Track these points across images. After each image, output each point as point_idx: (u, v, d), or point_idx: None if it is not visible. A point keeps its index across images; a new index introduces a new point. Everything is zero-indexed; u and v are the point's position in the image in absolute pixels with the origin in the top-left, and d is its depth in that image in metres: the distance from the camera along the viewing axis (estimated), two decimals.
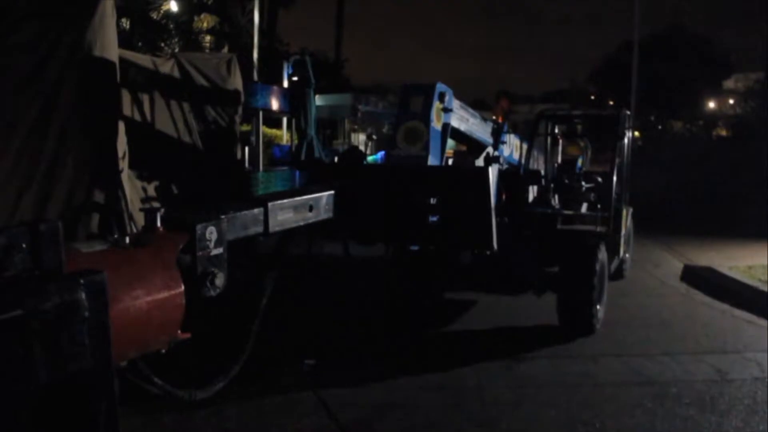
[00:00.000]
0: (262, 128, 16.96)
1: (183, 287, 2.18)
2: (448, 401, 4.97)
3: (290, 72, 19.41)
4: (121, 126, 5.10)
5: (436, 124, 5.60)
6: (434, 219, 3.97)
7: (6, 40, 4.83)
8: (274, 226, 2.86)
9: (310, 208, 3.16)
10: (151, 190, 6.00)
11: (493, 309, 7.61)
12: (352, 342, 6.35)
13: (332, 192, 3.34)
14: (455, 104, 6.10)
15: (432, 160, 5.45)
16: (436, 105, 5.65)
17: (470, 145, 7.48)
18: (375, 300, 8.00)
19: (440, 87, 5.77)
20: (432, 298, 7.59)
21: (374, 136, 26.34)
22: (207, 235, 2.40)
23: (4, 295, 0.96)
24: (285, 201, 2.94)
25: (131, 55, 6.72)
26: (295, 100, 12.63)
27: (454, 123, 6.07)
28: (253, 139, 14.67)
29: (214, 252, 2.44)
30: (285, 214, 2.95)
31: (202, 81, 7.57)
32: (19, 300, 0.98)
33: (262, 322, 3.02)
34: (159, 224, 2.32)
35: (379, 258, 6.18)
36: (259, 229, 2.79)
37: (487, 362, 5.76)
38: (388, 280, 7.82)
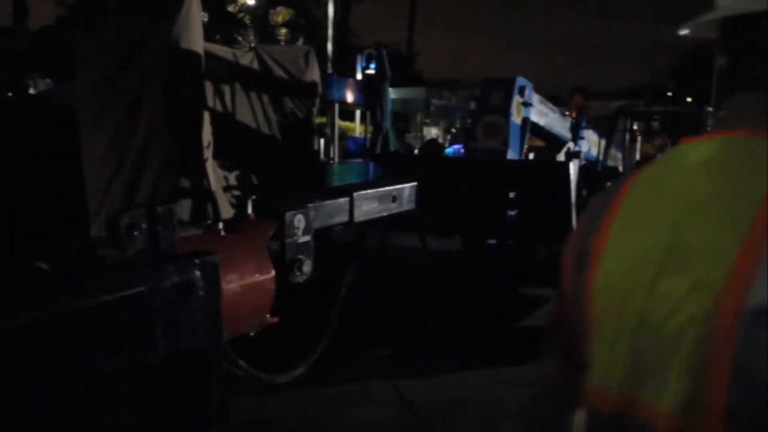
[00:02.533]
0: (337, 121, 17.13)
1: (273, 273, 2.24)
2: (523, 396, 4.92)
3: (363, 65, 19.53)
4: (206, 116, 5.23)
5: (516, 119, 5.57)
6: (513, 213, 3.96)
7: (97, 35, 5.01)
8: (358, 216, 2.89)
9: (394, 199, 3.18)
10: (231, 179, 6.13)
11: None
12: (426, 334, 6.36)
13: (415, 183, 3.35)
14: (535, 98, 6.04)
15: (511, 155, 5.41)
16: (516, 99, 5.62)
17: (547, 140, 7.40)
18: (450, 293, 7.98)
19: (520, 81, 5.73)
20: (506, 293, 7.53)
21: (453, 129, 26.21)
22: (295, 223, 2.45)
23: (130, 272, 1.00)
24: (370, 191, 2.96)
25: (213, 48, 6.87)
26: (371, 93, 12.67)
27: (534, 117, 6.02)
28: (327, 130, 14.81)
29: (302, 240, 2.49)
30: (369, 205, 2.98)
31: (280, 73, 7.69)
32: (143, 277, 1.02)
33: (341, 310, 3.06)
34: (250, 211, 2.38)
35: (456, 251, 6.17)
36: (344, 218, 2.83)
37: None
38: (464, 273, 7.80)
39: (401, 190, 3.42)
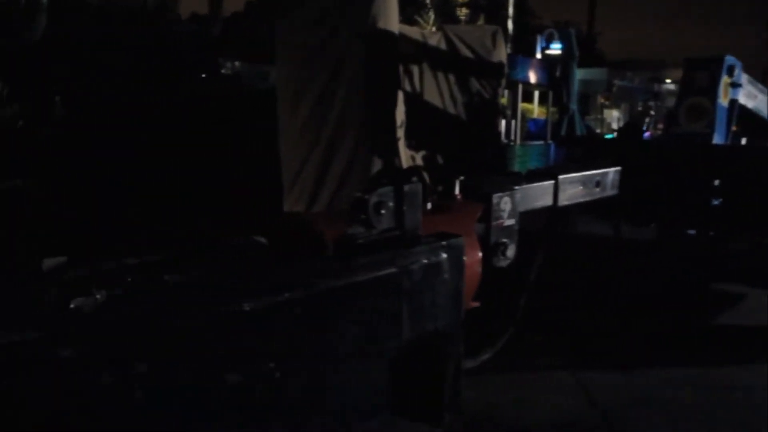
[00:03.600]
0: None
1: (481, 255, 2.19)
2: (712, 400, 4.60)
3: (544, 45, 19.03)
4: (400, 96, 5.28)
5: (723, 100, 5.17)
6: (717, 202, 3.67)
7: (295, 16, 5.18)
8: (562, 200, 2.80)
9: (597, 184, 3.05)
10: (418, 159, 6.17)
11: (763, 305, 6.93)
12: (612, 326, 6.10)
13: (619, 168, 3.20)
14: (744, 79, 5.59)
15: (717, 139, 5.05)
16: (724, 79, 5.21)
17: (753, 124, 6.83)
18: (640, 285, 7.60)
19: (729, 60, 5.31)
20: (698, 288, 7.07)
21: (652, 112, 25.01)
22: (502, 206, 2.39)
23: (382, 253, 0.99)
24: (575, 175, 2.86)
25: (403, 28, 6.93)
26: (555, 73, 12.36)
27: (742, 99, 5.57)
28: (508, 111, 14.61)
29: (507, 223, 2.43)
30: (573, 189, 2.87)
31: (467, 53, 7.63)
32: (393, 259, 1.01)
33: (529, 296, 2.98)
34: (457, 192, 2.35)
35: (650, 241, 5.85)
36: (548, 202, 2.74)
37: (757, 363, 5.25)
38: (657, 264, 7.40)
39: (605, 174, 3.28)
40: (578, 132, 11.26)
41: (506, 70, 8.18)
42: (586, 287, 7.37)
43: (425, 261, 1.07)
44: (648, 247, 6.63)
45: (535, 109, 23.15)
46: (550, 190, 2.82)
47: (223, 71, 9.74)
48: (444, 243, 1.12)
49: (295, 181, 5.05)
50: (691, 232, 5.50)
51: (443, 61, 7.23)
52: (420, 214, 1.19)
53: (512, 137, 13.28)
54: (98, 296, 1.12)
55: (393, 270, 1.00)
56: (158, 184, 7.50)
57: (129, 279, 1.33)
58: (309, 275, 0.88)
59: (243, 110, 8.71)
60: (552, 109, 15.32)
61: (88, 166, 7.66)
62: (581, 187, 3.00)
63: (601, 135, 17.54)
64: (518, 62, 15.29)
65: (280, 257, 1.06)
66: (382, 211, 1.09)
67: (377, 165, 4.78)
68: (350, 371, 0.92)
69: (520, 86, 14.69)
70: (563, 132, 11.12)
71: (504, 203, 2.42)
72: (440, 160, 6.66)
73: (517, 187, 2.54)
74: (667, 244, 6.61)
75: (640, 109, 33.41)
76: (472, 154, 7.15)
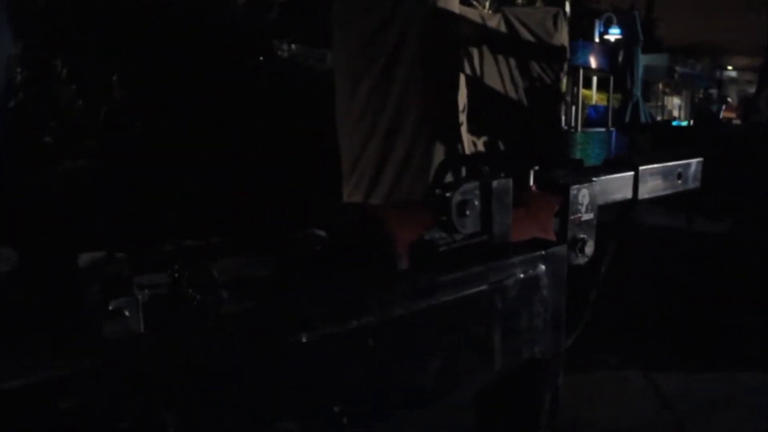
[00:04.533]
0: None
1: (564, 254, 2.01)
2: None
3: (602, 29, 18.50)
4: (462, 79, 5.10)
5: None
6: None
7: (354, 1, 5.03)
8: (642, 193, 2.59)
9: (679, 176, 2.83)
10: (480, 144, 5.97)
11: None
12: (683, 324, 5.82)
13: (701, 159, 2.97)
14: None
15: None
16: None
17: None
18: (713, 281, 7.24)
19: None
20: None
21: (729, 99, 24.22)
22: (580, 199, 2.20)
23: (472, 266, 0.83)
24: (656, 166, 2.64)
25: (462, 9, 6.71)
26: (618, 59, 11.98)
27: None
28: (568, 97, 14.24)
29: (585, 217, 2.23)
30: (654, 181, 2.65)
31: (528, 36, 7.38)
32: (486, 273, 0.84)
33: (600, 291, 2.76)
34: (532, 183, 2.16)
35: (725, 234, 5.55)
36: (628, 195, 2.53)
37: None
38: (731, 260, 7.04)
39: (687, 165, 3.04)
40: (643, 119, 10.86)
41: (569, 54, 7.89)
42: (657, 281, 7.08)
43: (521, 275, 0.90)
44: (722, 241, 6.31)
45: (594, 96, 22.61)
46: (630, 182, 2.60)
47: (279, 53, 9.69)
48: (543, 253, 0.95)
49: (354, 168, 4.93)
50: None
51: (503, 44, 6.99)
52: (510, 217, 1.03)
53: (572, 124, 12.93)
54: (140, 297, 0.97)
55: (485, 287, 0.83)
56: (207, 169, 7.46)
57: (174, 274, 1.18)
58: (386, 294, 0.72)
59: (301, 92, 8.62)
60: (615, 96, 14.89)
61: (146, 148, 7.67)
62: (662, 180, 2.76)
63: (663, 122, 17.04)
64: (579, 46, 14.85)
65: (349, 267, 0.91)
66: (467, 213, 0.93)
67: (439, 151, 4.62)
68: (430, 410, 0.76)
69: (581, 71, 14.28)
70: (627, 119, 10.74)
71: (582, 196, 2.22)
72: (501, 146, 6.45)
73: (595, 179, 2.34)
74: (742, 239, 6.28)
75: (701, 96, 32.46)
76: (534, 141, 6.92)
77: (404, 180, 4.61)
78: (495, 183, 1.00)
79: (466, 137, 5.23)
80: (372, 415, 0.71)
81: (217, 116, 7.95)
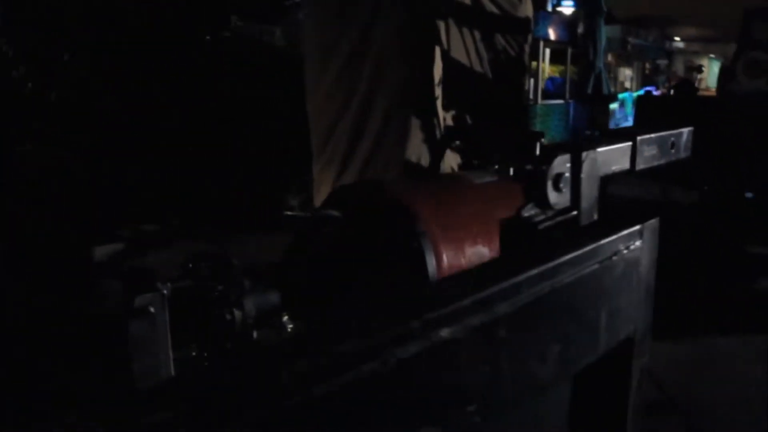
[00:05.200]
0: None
1: None
2: None
3: (555, 1, 18.47)
4: (438, 52, 5.01)
5: None
6: None
7: None
8: (639, 163, 2.56)
9: (672, 145, 2.81)
10: (448, 118, 5.91)
11: None
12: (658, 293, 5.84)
13: (691, 128, 2.95)
14: None
15: None
16: None
17: None
18: (685, 249, 7.29)
19: None
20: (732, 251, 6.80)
21: (675, 70, 24.44)
22: (585, 168, 2.17)
23: (583, 244, 0.76)
24: (653, 136, 2.61)
25: None
26: (578, 30, 11.99)
27: None
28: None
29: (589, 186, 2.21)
30: (650, 151, 2.63)
31: (492, 8, 7.31)
32: (596, 250, 0.78)
33: None
34: (538, 153, 2.11)
35: (699, 203, 5.59)
36: (626, 165, 2.51)
37: None
38: (706, 228, 7.09)
39: (679, 135, 3.03)
40: (605, 91, 10.92)
41: (533, 26, 7.86)
42: None
43: (624, 251, 0.85)
44: (693, 210, 6.37)
45: (547, 68, 22.64)
46: (629, 153, 2.57)
47: (230, 28, 9.49)
48: (639, 227, 0.90)
49: (325, 145, 4.82)
50: (749, 195, 5.23)
51: (468, 16, 6.90)
52: (597, 190, 0.98)
53: (531, 96, 12.91)
54: (165, 291, 0.89)
55: (596, 266, 0.78)
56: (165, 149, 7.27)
57: (192, 267, 1.10)
58: (513, 279, 0.66)
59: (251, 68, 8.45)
60: (573, 68, 14.91)
61: (100, 130, 7.43)
62: (657, 150, 2.75)
63: (616, 94, 17.16)
64: (540, 18, 14.76)
65: (367, 246, 0.84)
66: (562, 187, 0.87)
67: (415, 125, 4.54)
68: (538, 397, 0.71)
69: (542, 43, 14.24)
70: (590, 90, 10.78)
71: (587, 167, 2.19)
72: (468, 120, 6.40)
73: (599, 150, 2.30)
74: (715, 207, 6.33)
75: (650, 67, 32.82)
76: (499, 113, 6.88)
77: (379, 155, 4.52)
78: (585, 155, 0.94)
79: (441, 111, 5.16)
80: (503, 405, 0.65)
81: (170, 94, 7.74)
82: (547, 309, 0.70)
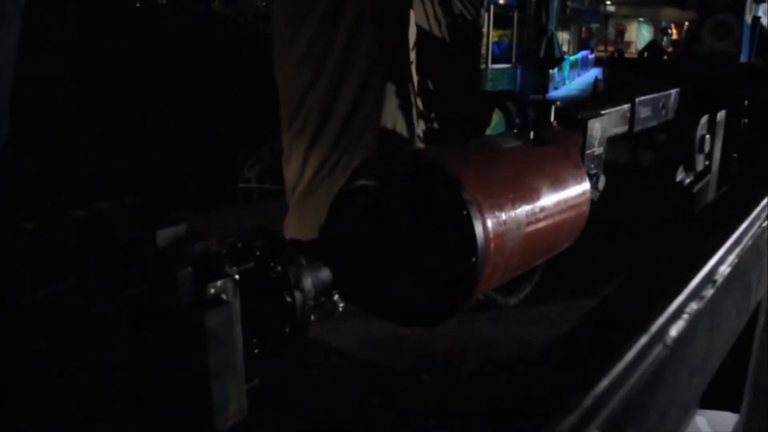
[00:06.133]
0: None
1: (589, 189, 1.99)
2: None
3: None
4: (412, 15, 4.93)
5: (747, 17, 4.98)
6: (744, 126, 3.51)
7: None
8: (636, 125, 2.59)
9: (663, 107, 2.84)
10: (414, 84, 5.85)
11: None
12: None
13: (678, 89, 2.99)
14: None
15: (741, 59, 4.86)
16: None
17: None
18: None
19: None
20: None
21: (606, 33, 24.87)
22: (593, 133, 2.18)
23: (748, 210, 0.76)
24: (648, 97, 2.64)
25: None
26: None
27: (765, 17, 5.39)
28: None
29: (597, 151, 2.23)
30: (646, 113, 2.66)
31: None
32: (759, 215, 0.77)
33: None
34: (553, 119, 2.12)
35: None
36: (625, 128, 2.53)
37: None
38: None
39: (668, 96, 3.06)
40: (556, 55, 11.00)
41: None
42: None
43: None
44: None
45: (490, 32, 22.73)
46: (628, 115, 2.61)
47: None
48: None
49: (295, 116, 4.69)
50: None
51: None
52: (730, 153, 0.97)
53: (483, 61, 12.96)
54: (236, 276, 0.86)
55: (759, 230, 0.77)
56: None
57: (243, 246, 1.06)
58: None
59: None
60: (517, 33, 15.00)
61: (42, 104, 7.17)
62: (651, 111, 2.79)
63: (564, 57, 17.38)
64: None
65: (406, 216, 0.80)
66: (705, 149, 0.86)
67: (391, 92, 4.46)
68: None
69: (492, 7, 14.24)
70: (542, 54, 10.84)
71: (596, 130, 2.21)
72: (430, 86, 6.35)
73: (604, 112, 2.32)
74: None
75: (585, 31, 33.26)
76: (458, 78, 6.87)
77: (353, 125, 4.42)
78: (719, 116, 0.93)
79: (415, 76, 5.09)
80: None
81: (111, 67, 7.49)
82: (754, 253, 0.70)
